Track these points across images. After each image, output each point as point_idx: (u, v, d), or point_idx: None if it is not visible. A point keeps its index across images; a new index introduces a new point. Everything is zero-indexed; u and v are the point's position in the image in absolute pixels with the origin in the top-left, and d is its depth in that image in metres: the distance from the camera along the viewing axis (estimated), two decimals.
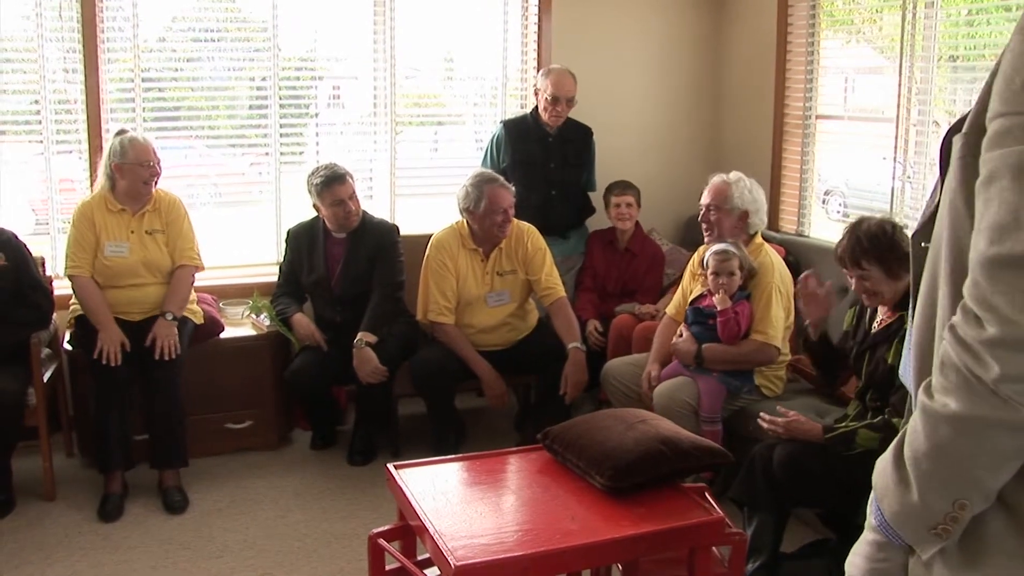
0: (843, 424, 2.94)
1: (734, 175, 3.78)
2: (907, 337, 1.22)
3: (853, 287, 3.02)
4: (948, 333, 1.01)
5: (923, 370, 1.13)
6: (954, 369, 1.00)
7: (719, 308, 3.52)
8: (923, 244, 1.16)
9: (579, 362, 4.00)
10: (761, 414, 3.08)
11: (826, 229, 4.79)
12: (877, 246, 2.88)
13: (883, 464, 1.12)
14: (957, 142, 1.09)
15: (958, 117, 1.14)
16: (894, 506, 1.09)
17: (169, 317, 3.77)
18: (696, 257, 3.83)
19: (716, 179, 3.80)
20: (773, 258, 3.68)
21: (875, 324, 3.02)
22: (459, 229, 4.17)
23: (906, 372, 1.20)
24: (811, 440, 2.91)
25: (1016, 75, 0.97)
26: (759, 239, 3.79)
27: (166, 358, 3.70)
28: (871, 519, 1.15)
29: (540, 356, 4.13)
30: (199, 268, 3.99)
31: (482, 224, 4.07)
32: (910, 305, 1.20)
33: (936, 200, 1.14)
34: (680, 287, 3.96)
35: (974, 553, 1.05)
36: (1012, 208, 0.95)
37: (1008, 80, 0.98)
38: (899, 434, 1.11)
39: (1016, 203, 0.94)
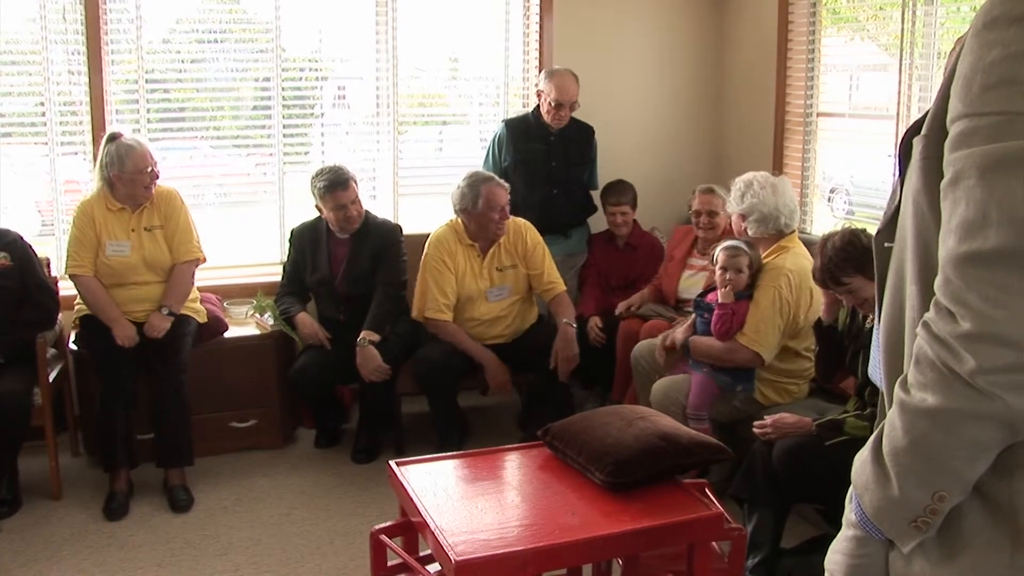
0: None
1: (744, 177, 3.74)
2: (874, 335, 1.23)
3: (845, 303, 3.03)
4: (922, 329, 1.03)
5: (893, 366, 1.14)
6: (930, 364, 1.01)
7: (720, 301, 3.50)
8: (886, 244, 1.18)
9: (568, 337, 4.05)
10: (755, 423, 3.10)
11: (830, 227, 4.78)
12: (850, 257, 2.86)
13: (861, 460, 1.13)
14: (917, 144, 1.10)
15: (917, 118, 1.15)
16: (875, 501, 1.10)
17: (165, 312, 3.81)
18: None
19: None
20: (790, 263, 3.52)
21: (867, 322, 3.02)
22: (455, 226, 4.18)
23: (875, 369, 1.22)
24: (802, 433, 2.93)
25: (975, 77, 0.99)
26: (788, 242, 3.64)
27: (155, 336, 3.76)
28: (851, 515, 1.16)
29: (542, 351, 4.13)
30: (200, 260, 4.00)
31: (480, 223, 4.08)
32: (875, 304, 1.21)
33: (896, 200, 1.16)
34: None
35: (952, 544, 1.06)
36: (980, 206, 0.96)
37: (968, 82, 1.00)
38: (876, 430, 1.12)
39: (984, 201, 0.96)
